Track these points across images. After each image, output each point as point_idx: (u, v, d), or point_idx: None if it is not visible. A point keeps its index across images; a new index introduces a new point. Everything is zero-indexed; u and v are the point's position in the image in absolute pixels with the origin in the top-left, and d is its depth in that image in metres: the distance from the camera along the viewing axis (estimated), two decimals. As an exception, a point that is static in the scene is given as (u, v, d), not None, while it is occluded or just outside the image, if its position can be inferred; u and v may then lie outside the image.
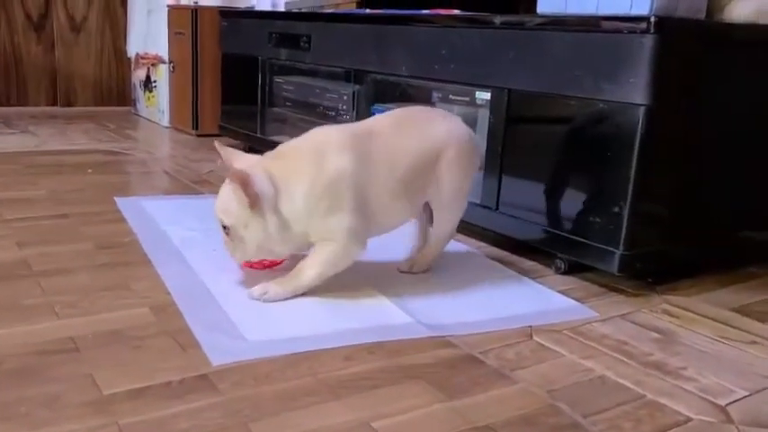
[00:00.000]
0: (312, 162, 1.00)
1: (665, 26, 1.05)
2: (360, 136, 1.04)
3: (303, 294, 1.04)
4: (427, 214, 1.15)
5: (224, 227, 1.03)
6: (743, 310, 1.11)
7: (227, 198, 1.01)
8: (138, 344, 0.87)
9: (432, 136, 1.08)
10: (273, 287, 1.03)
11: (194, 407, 0.74)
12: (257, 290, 1.03)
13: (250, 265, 1.13)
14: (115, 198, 1.54)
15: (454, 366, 0.87)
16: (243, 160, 1.04)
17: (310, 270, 1.03)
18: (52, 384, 0.77)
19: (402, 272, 1.17)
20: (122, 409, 0.73)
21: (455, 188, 1.10)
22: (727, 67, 1.17)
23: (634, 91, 1.07)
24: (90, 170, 1.86)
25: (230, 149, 1.06)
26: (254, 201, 0.97)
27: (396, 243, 1.22)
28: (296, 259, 1.07)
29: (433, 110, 1.18)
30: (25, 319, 0.93)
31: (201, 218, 1.41)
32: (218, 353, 0.85)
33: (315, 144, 1.03)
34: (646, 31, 1.05)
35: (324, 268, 1.03)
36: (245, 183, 0.97)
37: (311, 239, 1.03)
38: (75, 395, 0.75)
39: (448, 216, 1.13)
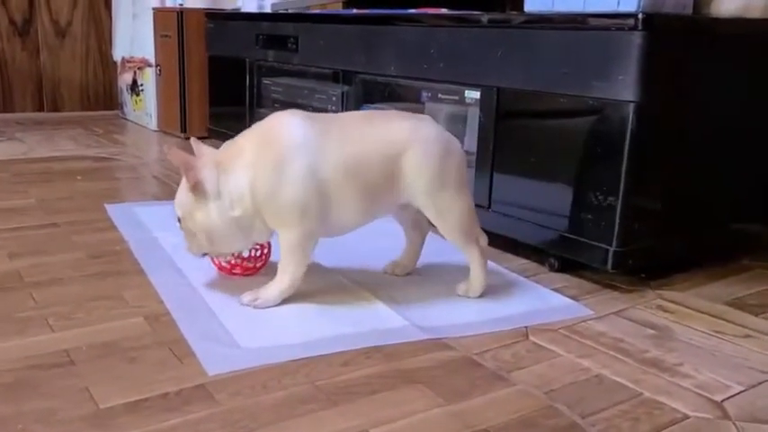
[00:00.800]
0: (259, 139, 1.01)
1: (653, 22, 1.05)
2: (314, 118, 1.03)
3: (296, 300, 1.04)
4: (410, 220, 1.14)
5: (178, 219, 1.05)
6: (736, 304, 1.12)
7: (179, 190, 1.04)
8: (133, 355, 0.87)
9: (392, 130, 1.03)
10: (263, 293, 1.03)
11: (193, 418, 0.73)
12: (247, 296, 1.03)
13: (229, 271, 1.14)
14: (105, 205, 1.53)
15: (451, 369, 0.87)
16: (206, 150, 1.04)
17: (285, 268, 1.03)
18: (48, 399, 0.76)
19: (386, 273, 1.18)
20: (120, 423, 0.72)
21: (430, 191, 1.03)
22: (716, 61, 1.17)
23: (623, 88, 1.07)
24: (79, 177, 1.84)
25: (204, 145, 1.05)
26: (193, 185, 0.99)
27: (388, 245, 1.21)
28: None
29: (404, 112, 1.10)
30: (19, 332, 0.92)
31: (193, 223, 1.41)
32: (214, 362, 0.85)
33: (265, 125, 1.03)
34: (634, 28, 1.05)
35: (294, 258, 1.02)
36: (186, 167, 0.99)
37: (270, 225, 1.02)
38: (71, 410, 0.74)
39: (438, 223, 1.07)
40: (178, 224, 1.05)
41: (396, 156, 1.02)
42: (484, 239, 1.09)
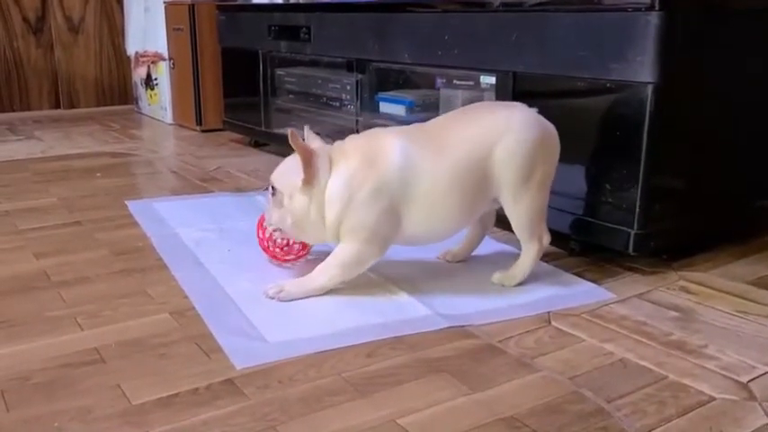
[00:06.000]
0: (365, 155, 1.02)
1: (670, 2, 1.03)
2: (417, 140, 1.04)
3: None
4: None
5: (272, 189, 1.06)
6: (760, 283, 1.11)
7: (288, 166, 1.06)
8: (162, 351, 0.88)
9: (486, 124, 1.03)
10: (288, 286, 1.04)
11: (223, 413, 0.75)
12: (272, 288, 1.04)
13: (274, 255, 1.15)
14: (126, 202, 1.55)
15: (476, 357, 0.87)
16: (317, 142, 1.07)
17: (325, 273, 1.04)
18: (82, 397, 0.78)
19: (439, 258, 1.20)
20: (153, 419, 0.74)
21: (515, 182, 1.02)
22: (734, 37, 1.16)
23: (641, 69, 1.06)
24: (98, 174, 1.86)
25: (312, 134, 1.09)
26: (309, 178, 1.02)
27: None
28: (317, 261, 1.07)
29: (498, 102, 1.10)
30: (49, 332, 0.94)
31: (213, 217, 1.42)
32: (242, 356, 0.86)
33: (373, 142, 1.05)
34: (650, 8, 1.04)
35: (337, 271, 1.04)
36: (308, 159, 1.01)
37: (341, 232, 1.03)
38: (105, 407, 0.76)
39: (511, 214, 1.06)
40: (269, 193, 1.07)
41: (489, 147, 1.02)
42: (547, 238, 1.08)
